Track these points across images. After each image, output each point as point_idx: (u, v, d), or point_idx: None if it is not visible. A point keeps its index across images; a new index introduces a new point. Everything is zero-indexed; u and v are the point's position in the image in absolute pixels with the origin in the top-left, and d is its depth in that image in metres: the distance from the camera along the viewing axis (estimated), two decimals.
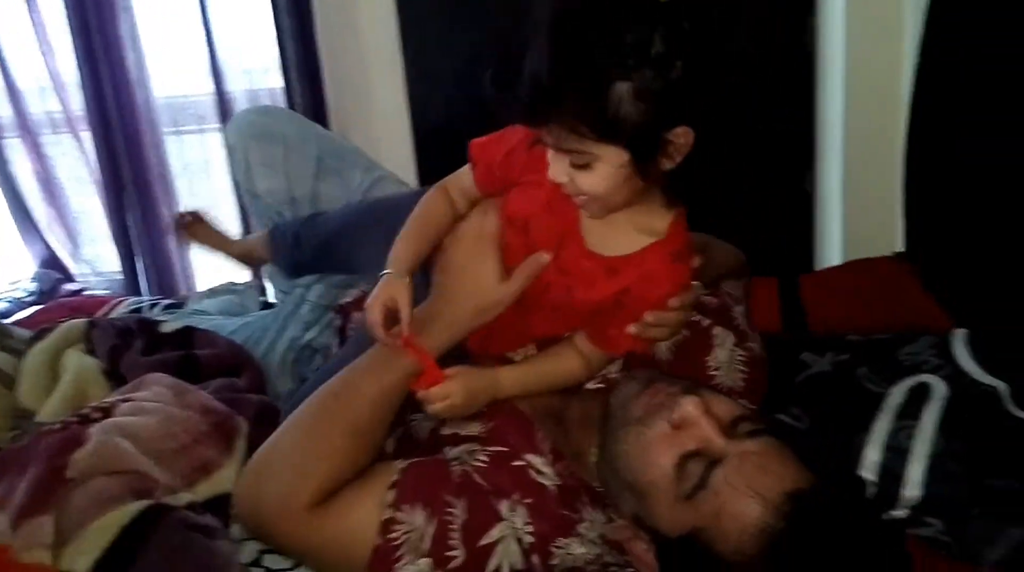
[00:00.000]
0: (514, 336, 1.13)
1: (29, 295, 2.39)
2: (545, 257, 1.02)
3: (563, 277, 1.03)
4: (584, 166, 0.87)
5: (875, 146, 1.80)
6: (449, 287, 1.07)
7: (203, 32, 2.27)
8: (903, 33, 1.72)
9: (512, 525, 0.96)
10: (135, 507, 0.95)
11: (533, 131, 0.90)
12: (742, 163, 2.16)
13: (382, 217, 1.25)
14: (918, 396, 1.08)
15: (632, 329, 1.01)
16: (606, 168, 0.86)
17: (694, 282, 1.05)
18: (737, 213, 2.13)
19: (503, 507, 0.97)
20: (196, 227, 1.86)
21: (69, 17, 2.25)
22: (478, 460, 1.02)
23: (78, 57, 2.29)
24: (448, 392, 1.01)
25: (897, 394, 1.10)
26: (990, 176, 1.38)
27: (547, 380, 1.09)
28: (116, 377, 1.33)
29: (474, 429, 1.05)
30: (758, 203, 2.15)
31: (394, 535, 0.95)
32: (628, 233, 0.99)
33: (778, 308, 1.57)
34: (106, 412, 1.12)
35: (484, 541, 0.95)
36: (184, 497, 1.04)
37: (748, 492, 0.87)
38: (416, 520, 0.96)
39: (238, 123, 1.64)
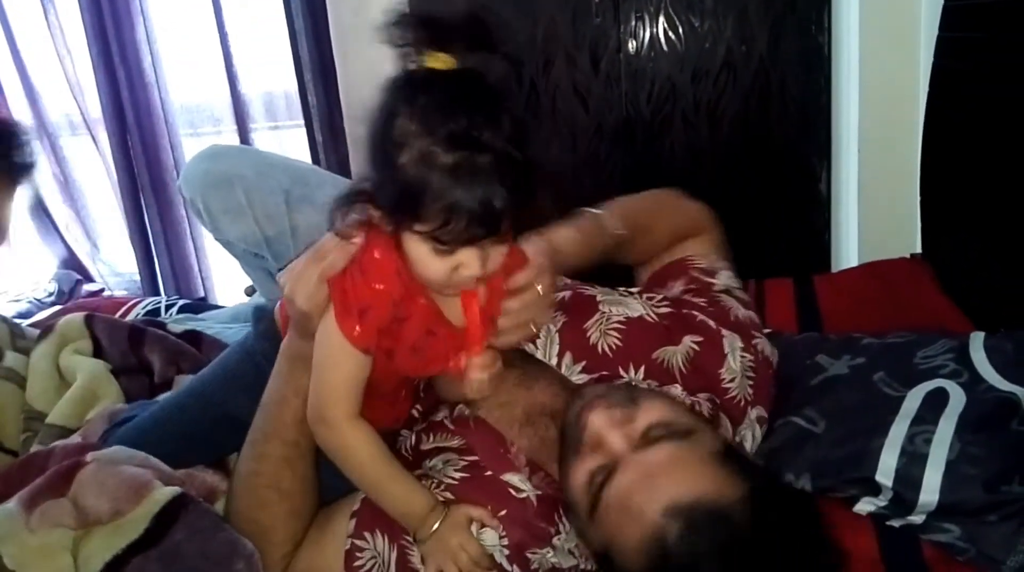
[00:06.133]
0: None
1: (49, 296, 2.42)
2: None
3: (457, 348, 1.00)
4: (503, 240, 0.87)
5: (890, 146, 1.79)
6: None
7: (217, 36, 2.29)
8: (917, 33, 1.71)
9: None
10: (168, 491, 0.99)
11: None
12: (758, 164, 2.16)
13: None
14: (935, 401, 1.07)
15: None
16: (508, 238, 0.87)
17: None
18: (753, 214, 2.13)
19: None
20: None
21: (85, 21, 2.28)
22: (451, 477, 1.03)
23: (95, 60, 2.32)
24: (493, 359, 0.97)
25: (914, 399, 1.09)
26: (1008, 176, 1.37)
27: None
28: (127, 372, 1.35)
29: (453, 443, 1.07)
30: (774, 204, 2.14)
31: (359, 562, 0.98)
32: None
33: (794, 310, 1.57)
34: None
35: None
36: None
37: (628, 507, 0.85)
38: (378, 545, 0.99)
39: (189, 174, 1.50)
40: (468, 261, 0.83)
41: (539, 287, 0.99)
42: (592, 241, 1.15)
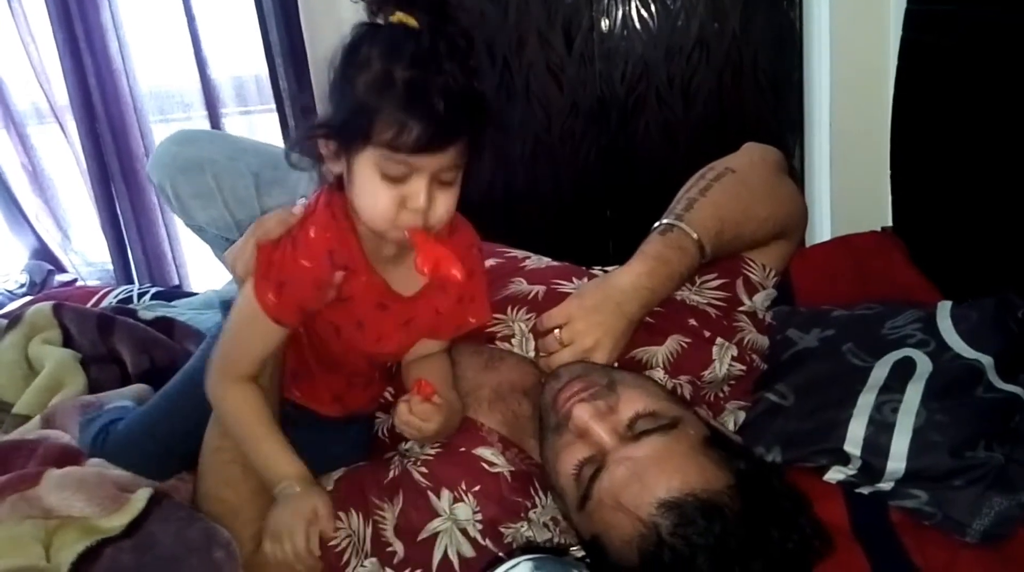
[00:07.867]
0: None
1: (20, 287, 2.40)
2: None
3: (408, 327, 1.00)
4: (450, 183, 0.86)
5: (862, 121, 1.80)
6: None
7: (185, 20, 2.26)
8: (887, 7, 1.71)
9: (453, 518, 0.98)
10: (143, 493, 1.00)
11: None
12: (732, 141, 2.16)
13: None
14: (902, 370, 1.08)
15: None
16: (459, 175, 0.86)
17: None
18: None
19: (442, 502, 0.99)
20: None
21: (50, 7, 2.24)
22: (426, 453, 1.03)
23: (60, 47, 2.28)
24: (429, 414, 0.96)
25: (882, 368, 1.10)
26: (977, 149, 1.38)
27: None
28: (97, 361, 1.35)
29: None
30: None
31: (335, 541, 0.98)
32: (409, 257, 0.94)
33: None
34: None
35: (423, 535, 0.98)
36: None
37: (620, 503, 0.86)
38: (353, 524, 0.99)
39: (159, 158, 1.48)
40: (414, 193, 0.83)
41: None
42: (670, 272, 1.11)
